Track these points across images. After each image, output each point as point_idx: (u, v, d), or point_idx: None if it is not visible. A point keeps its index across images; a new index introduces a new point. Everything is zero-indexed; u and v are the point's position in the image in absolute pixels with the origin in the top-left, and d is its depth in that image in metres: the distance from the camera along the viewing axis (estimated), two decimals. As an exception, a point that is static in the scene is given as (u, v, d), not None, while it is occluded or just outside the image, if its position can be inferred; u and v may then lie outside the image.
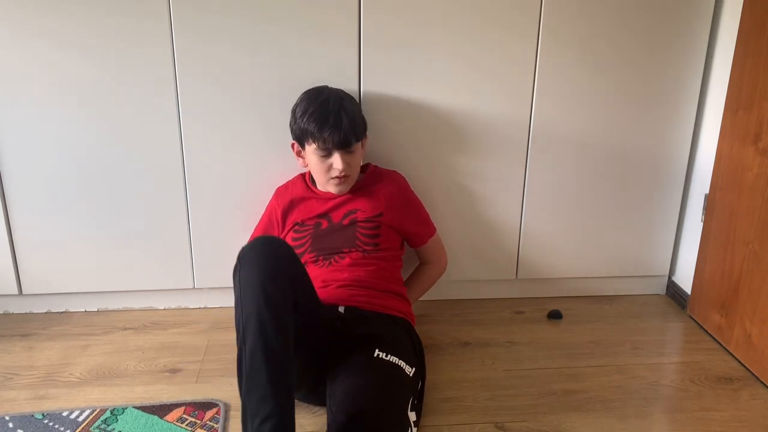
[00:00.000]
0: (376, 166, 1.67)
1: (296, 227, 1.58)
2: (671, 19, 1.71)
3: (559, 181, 1.82)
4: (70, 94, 1.61)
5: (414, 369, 1.33)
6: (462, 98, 1.70)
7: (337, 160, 1.48)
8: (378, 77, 1.66)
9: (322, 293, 1.41)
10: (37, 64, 1.58)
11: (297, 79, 1.63)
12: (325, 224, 1.56)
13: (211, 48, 1.60)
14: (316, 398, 1.38)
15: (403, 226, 1.61)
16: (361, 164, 1.61)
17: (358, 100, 1.64)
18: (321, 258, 1.52)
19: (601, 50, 1.71)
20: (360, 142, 1.54)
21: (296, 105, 1.54)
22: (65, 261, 1.75)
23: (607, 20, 1.68)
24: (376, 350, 1.30)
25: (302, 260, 1.44)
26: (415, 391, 1.33)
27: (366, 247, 1.52)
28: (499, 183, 1.79)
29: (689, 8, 1.70)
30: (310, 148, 1.50)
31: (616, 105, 1.76)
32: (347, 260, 1.50)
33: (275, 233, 1.63)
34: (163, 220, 1.74)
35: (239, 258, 1.20)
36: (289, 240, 1.58)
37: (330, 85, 1.60)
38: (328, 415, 1.23)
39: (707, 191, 1.78)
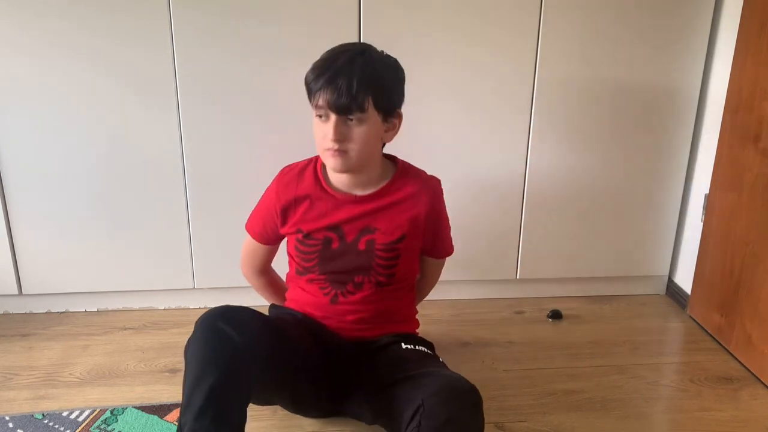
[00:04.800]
0: (406, 164, 1.38)
1: (301, 236, 1.33)
2: (671, 19, 1.71)
3: (560, 181, 1.82)
4: (69, 94, 1.61)
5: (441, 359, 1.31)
6: (461, 98, 1.70)
7: (329, 128, 1.19)
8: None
9: (324, 322, 1.35)
10: (36, 65, 1.58)
11: (297, 79, 1.62)
12: (336, 243, 1.31)
13: (211, 48, 1.60)
14: (320, 411, 1.37)
15: (426, 242, 1.40)
16: (383, 151, 1.33)
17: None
18: (329, 284, 1.34)
19: (599, 50, 1.71)
20: (370, 114, 1.21)
21: None
22: (65, 261, 1.75)
23: (606, 20, 1.68)
24: (402, 344, 1.30)
25: (308, 277, 1.34)
26: None
27: (380, 278, 1.32)
28: (499, 182, 1.80)
29: (689, 8, 1.70)
30: (313, 109, 1.24)
31: (616, 105, 1.76)
32: (356, 297, 1.32)
33: (271, 229, 1.39)
34: (163, 220, 1.73)
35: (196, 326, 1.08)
36: (292, 248, 1.36)
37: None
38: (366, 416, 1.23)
39: (707, 191, 1.78)
